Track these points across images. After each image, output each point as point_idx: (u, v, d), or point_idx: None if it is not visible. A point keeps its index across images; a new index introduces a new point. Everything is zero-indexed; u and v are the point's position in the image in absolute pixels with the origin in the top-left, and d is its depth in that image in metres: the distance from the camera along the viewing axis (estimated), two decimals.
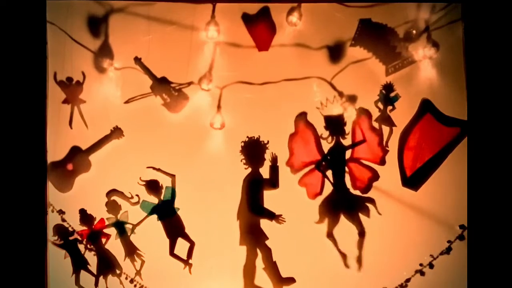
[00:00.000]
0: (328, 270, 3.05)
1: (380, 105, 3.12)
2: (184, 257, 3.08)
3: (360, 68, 3.12)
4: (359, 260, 3.05)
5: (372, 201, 3.06)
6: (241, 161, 3.07)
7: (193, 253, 3.09)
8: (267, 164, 3.08)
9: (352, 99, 3.11)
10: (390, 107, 3.12)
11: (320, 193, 3.07)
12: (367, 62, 3.13)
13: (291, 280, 3.05)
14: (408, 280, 3.05)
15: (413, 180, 3.10)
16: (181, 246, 3.09)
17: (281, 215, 3.04)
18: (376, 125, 3.09)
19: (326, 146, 3.09)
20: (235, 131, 3.10)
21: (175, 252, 3.08)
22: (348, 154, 3.09)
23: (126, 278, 3.08)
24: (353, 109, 3.08)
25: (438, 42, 3.12)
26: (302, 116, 3.08)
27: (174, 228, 3.09)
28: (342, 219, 3.06)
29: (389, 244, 3.07)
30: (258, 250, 3.05)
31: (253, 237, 3.05)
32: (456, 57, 3.13)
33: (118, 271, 3.08)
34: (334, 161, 3.08)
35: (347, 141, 3.10)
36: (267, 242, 3.05)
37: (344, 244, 3.06)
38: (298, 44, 3.12)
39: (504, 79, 2.99)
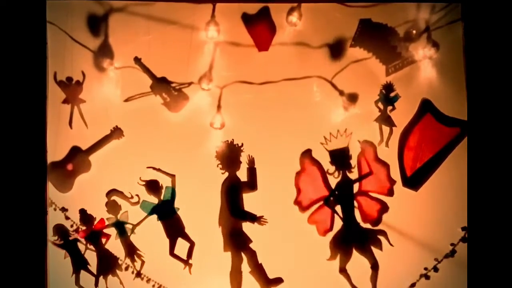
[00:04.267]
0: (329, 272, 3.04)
1: (380, 105, 3.12)
2: (184, 257, 3.08)
3: (360, 68, 3.13)
4: None
5: (383, 233, 3.04)
6: (217, 166, 3.06)
7: (193, 253, 3.09)
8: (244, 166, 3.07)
9: (352, 98, 3.11)
10: (390, 107, 3.12)
11: (331, 229, 3.06)
12: (367, 62, 3.13)
13: (279, 280, 3.04)
14: (413, 284, 3.04)
15: (413, 180, 3.10)
16: (181, 246, 3.09)
17: (263, 216, 3.03)
18: (381, 157, 3.08)
19: (333, 181, 3.08)
20: (235, 131, 3.10)
21: (175, 252, 3.08)
22: (356, 187, 3.08)
23: (133, 272, 3.07)
24: (357, 142, 3.08)
25: (438, 42, 3.13)
26: (307, 153, 3.07)
27: (174, 228, 3.09)
28: (354, 253, 3.05)
29: (393, 248, 3.06)
30: (242, 254, 3.05)
31: (237, 241, 3.04)
32: (456, 57, 3.13)
33: (118, 272, 3.08)
34: (342, 195, 3.07)
35: (353, 175, 3.09)
36: (251, 245, 3.05)
37: (358, 278, 3.04)
38: (298, 43, 3.13)
39: (504, 79, 2.99)
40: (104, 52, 3.12)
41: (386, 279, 3.05)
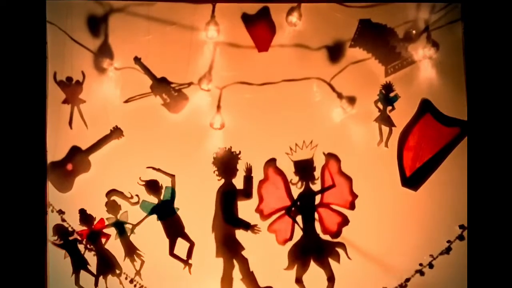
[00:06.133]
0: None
1: (380, 105, 3.12)
2: (184, 257, 3.08)
3: (359, 68, 3.13)
4: None
5: (342, 245, 3.05)
6: (214, 172, 3.07)
7: (193, 253, 3.09)
8: (240, 174, 3.08)
9: (352, 99, 3.11)
10: (389, 107, 3.12)
11: (290, 238, 3.06)
12: (367, 62, 3.13)
13: None
14: (408, 280, 3.05)
15: (412, 180, 3.10)
16: (181, 246, 3.09)
17: (256, 225, 3.04)
18: (344, 170, 3.08)
19: (296, 191, 3.08)
20: (235, 131, 3.10)
21: (175, 252, 3.08)
22: (318, 199, 3.09)
23: (126, 278, 3.08)
24: (322, 155, 3.08)
25: (438, 42, 3.13)
26: (272, 162, 3.07)
27: (174, 228, 3.09)
28: (312, 264, 3.05)
29: (389, 244, 3.07)
30: (234, 261, 3.05)
31: (229, 248, 3.05)
32: (456, 57, 3.13)
33: (118, 271, 3.08)
34: (303, 206, 3.07)
35: (316, 186, 3.09)
36: (243, 252, 3.05)
37: None
38: (298, 44, 3.12)
39: (504, 79, 2.99)
40: (104, 52, 3.13)
41: (381, 273, 3.06)
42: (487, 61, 3.01)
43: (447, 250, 3.04)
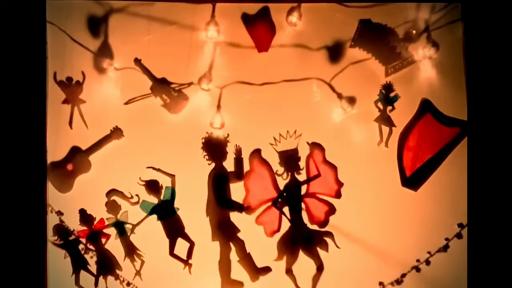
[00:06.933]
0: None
1: (380, 105, 3.12)
2: (184, 257, 3.08)
3: (360, 68, 3.12)
4: None
5: (330, 234, 3.05)
6: (204, 157, 3.07)
7: (193, 253, 3.09)
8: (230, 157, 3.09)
9: (352, 99, 3.11)
10: (390, 107, 3.12)
11: (278, 230, 3.07)
12: (367, 62, 3.13)
13: (267, 269, 3.05)
14: (404, 275, 3.05)
15: (412, 180, 3.10)
16: (181, 246, 3.09)
17: (250, 206, 3.04)
18: (329, 159, 3.08)
19: (282, 182, 3.09)
20: (235, 131, 3.10)
21: (175, 252, 3.08)
22: (304, 189, 3.09)
23: (123, 281, 3.08)
24: (306, 144, 3.08)
25: (438, 42, 3.13)
26: (256, 153, 3.07)
27: (174, 228, 3.09)
28: (301, 254, 3.06)
29: (387, 240, 3.08)
30: (231, 244, 3.06)
31: (225, 231, 3.05)
32: (456, 57, 3.13)
33: (118, 272, 3.08)
34: (290, 197, 3.08)
35: (302, 176, 3.09)
36: (239, 234, 3.06)
37: (304, 280, 3.06)
38: (298, 44, 3.12)
39: (504, 79, 2.99)
40: (104, 52, 3.12)
41: (378, 269, 3.07)
42: (487, 61, 3.02)
43: (445, 248, 3.04)
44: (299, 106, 3.10)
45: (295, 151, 3.08)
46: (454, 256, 3.05)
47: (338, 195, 3.08)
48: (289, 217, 3.07)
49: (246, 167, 3.08)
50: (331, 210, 3.07)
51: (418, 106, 3.12)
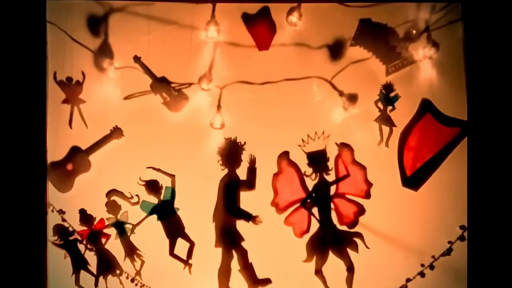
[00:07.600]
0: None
1: (380, 105, 3.12)
2: (184, 257, 3.08)
3: (360, 68, 3.12)
4: None
5: (360, 235, 3.04)
6: (218, 162, 3.07)
7: (193, 253, 3.09)
8: (244, 165, 3.08)
9: (352, 98, 3.11)
10: (390, 107, 3.12)
11: (307, 231, 3.06)
12: (367, 62, 3.13)
13: (267, 281, 3.04)
14: (408, 280, 3.05)
15: (413, 180, 3.10)
16: (181, 246, 3.09)
17: (258, 216, 3.04)
18: (358, 160, 3.08)
19: (310, 183, 3.09)
20: (235, 131, 3.10)
21: (175, 252, 3.08)
22: (332, 189, 3.09)
23: (127, 277, 3.08)
24: (335, 145, 3.08)
25: (438, 42, 3.13)
26: (284, 155, 3.07)
27: (174, 228, 3.09)
28: (331, 255, 3.05)
29: (390, 245, 3.07)
30: (233, 252, 3.05)
31: (229, 239, 3.05)
32: (456, 57, 3.13)
33: (118, 271, 3.08)
34: (319, 197, 3.07)
35: (331, 177, 3.09)
36: (243, 243, 3.05)
37: (333, 281, 3.04)
38: (298, 44, 3.13)
39: (504, 79, 2.99)
40: (104, 52, 3.12)
41: (382, 274, 3.06)
42: (487, 61, 3.02)
43: (448, 251, 3.04)
44: (299, 105, 3.10)
45: (323, 152, 3.07)
46: (458, 259, 3.02)
47: (367, 195, 3.07)
48: (318, 217, 3.07)
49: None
50: (361, 210, 3.06)
51: (418, 106, 3.12)
